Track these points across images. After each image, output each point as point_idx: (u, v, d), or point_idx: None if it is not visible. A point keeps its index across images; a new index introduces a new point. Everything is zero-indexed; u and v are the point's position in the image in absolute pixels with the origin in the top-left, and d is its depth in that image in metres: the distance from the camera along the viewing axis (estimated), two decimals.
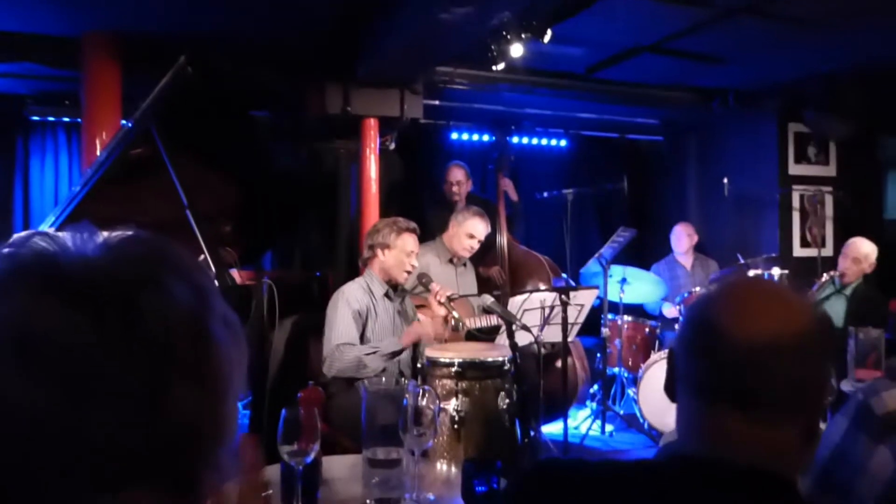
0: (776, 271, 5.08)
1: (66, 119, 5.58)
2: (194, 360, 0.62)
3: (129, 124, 3.39)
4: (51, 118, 5.58)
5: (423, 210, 5.45)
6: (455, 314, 3.07)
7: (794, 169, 6.33)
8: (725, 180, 6.04)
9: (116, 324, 0.58)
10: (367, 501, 1.79)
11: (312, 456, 1.69)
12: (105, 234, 0.65)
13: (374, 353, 3.03)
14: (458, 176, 5.23)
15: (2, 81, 5.08)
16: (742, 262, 5.37)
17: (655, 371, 4.75)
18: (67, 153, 5.65)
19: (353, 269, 5.18)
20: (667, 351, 4.28)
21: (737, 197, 6.21)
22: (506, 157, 5.25)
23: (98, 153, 4.45)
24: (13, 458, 0.56)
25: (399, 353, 3.10)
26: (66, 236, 0.63)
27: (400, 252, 3.29)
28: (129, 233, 0.66)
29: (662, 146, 7.47)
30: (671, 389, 1.08)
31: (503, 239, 4.97)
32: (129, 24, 4.46)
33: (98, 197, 3.44)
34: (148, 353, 0.59)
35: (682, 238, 5.79)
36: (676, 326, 5.02)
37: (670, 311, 5.42)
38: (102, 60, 4.58)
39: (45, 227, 3.50)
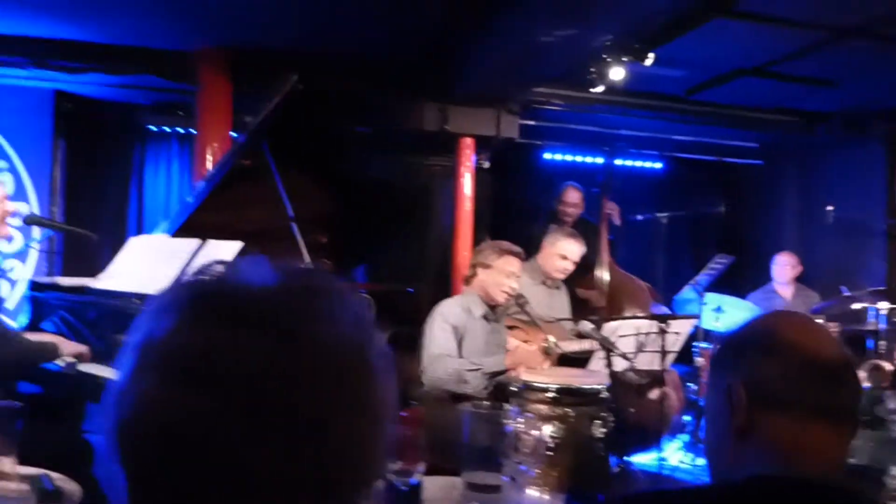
0: (883, 305, 4.85)
1: (180, 129, 5.86)
2: (358, 390, 0.65)
3: (241, 138, 3.54)
4: (165, 128, 5.87)
5: (516, 229, 5.45)
6: (551, 338, 3.07)
7: None
8: (830, 208, 5.82)
9: (290, 355, 0.61)
10: None
11: (417, 477, 1.73)
12: (275, 265, 0.70)
13: (477, 370, 3.06)
14: (575, 198, 5.19)
15: (123, 92, 5.38)
16: (846, 293, 5.15)
17: None
18: (180, 162, 5.93)
19: (442, 286, 5.24)
20: None
21: (841, 225, 5.97)
22: (611, 179, 5.18)
23: (208, 163, 4.67)
24: (198, 476, 0.60)
25: (500, 373, 3.12)
26: (242, 266, 0.68)
27: (499, 273, 3.31)
28: (299, 265, 0.70)
29: (761, 170, 7.25)
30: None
31: (604, 262, 4.91)
32: (240, 40, 4.67)
33: (209, 206, 3.61)
34: (318, 382, 0.62)
35: (786, 268, 5.59)
36: None
37: None
38: (215, 75, 4.81)
39: (160, 233, 3.69)
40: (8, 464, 1.97)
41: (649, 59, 4.03)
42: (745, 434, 1.10)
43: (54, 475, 2.01)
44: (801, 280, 5.75)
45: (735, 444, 1.11)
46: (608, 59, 4.07)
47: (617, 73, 4.13)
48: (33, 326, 3.44)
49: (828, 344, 1.11)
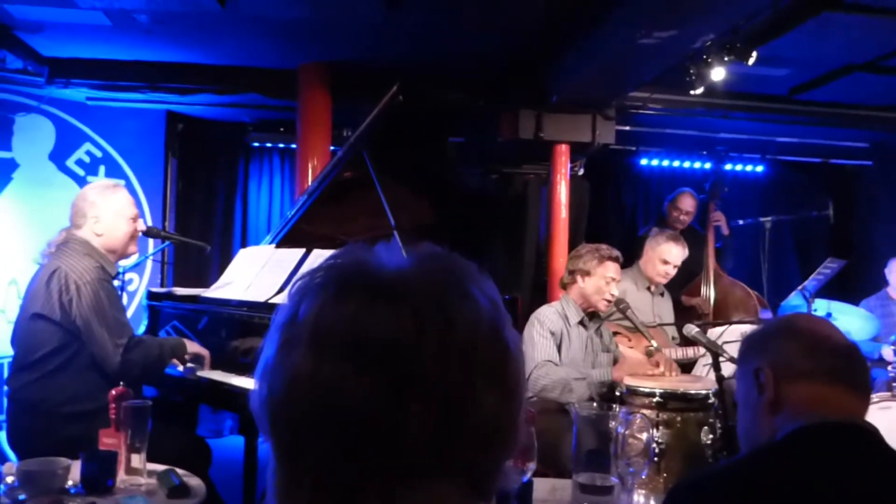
0: None
1: (281, 144, 6.07)
2: (496, 365, 0.67)
3: (342, 149, 3.63)
4: (268, 144, 6.09)
5: (610, 235, 5.39)
6: (654, 343, 3.01)
7: None
8: None
9: (434, 330, 0.64)
10: None
11: (529, 475, 1.73)
12: (410, 249, 0.72)
13: (584, 379, 3.04)
14: (689, 205, 5.08)
15: (228, 111, 5.64)
16: None
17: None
18: (280, 176, 6.15)
19: (539, 293, 5.22)
20: (883, 394, 3.97)
21: None
22: (719, 186, 5.04)
23: (310, 177, 4.81)
24: (348, 445, 0.63)
25: (606, 384, 3.09)
26: (378, 250, 0.71)
27: (600, 279, 3.28)
28: (432, 248, 0.72)
29: (872, 171, 6.90)
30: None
31: (710, 270, 4.79)
32: (339, 56, 4.81)
33: (311, 217, 3.72)
34: (459, 356, 0.64)
35: None
36: (890, 368, 4.59)
37: (888, 352, 4.97)
38: (315, 90, 4.97)
39: (266, 245, 3.83)
40: (139, 460, 2.09)
41: (752, 58, 3.90)
42: (775, 407, 1.29)
43: (180, 471, 2.12)
44: None
45: (768, 418, 1.29)
46: (709, 60, 3.97)
47: (718, 74, 4.02)
48: (150, 335, 3.62)
49: (837, 332, 1.34)
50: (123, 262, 3.34)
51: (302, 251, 3.40)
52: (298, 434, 0.65)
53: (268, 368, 0.68)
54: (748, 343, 1.41)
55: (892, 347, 4.87)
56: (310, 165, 4.93)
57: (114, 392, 2.19)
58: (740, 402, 1.40)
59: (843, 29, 4.09)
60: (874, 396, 4.54)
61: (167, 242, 4.61)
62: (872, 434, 1.22)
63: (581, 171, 5.67)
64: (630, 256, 4.39)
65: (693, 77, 4.14)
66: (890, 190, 6.61)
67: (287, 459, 0.67)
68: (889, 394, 4.05)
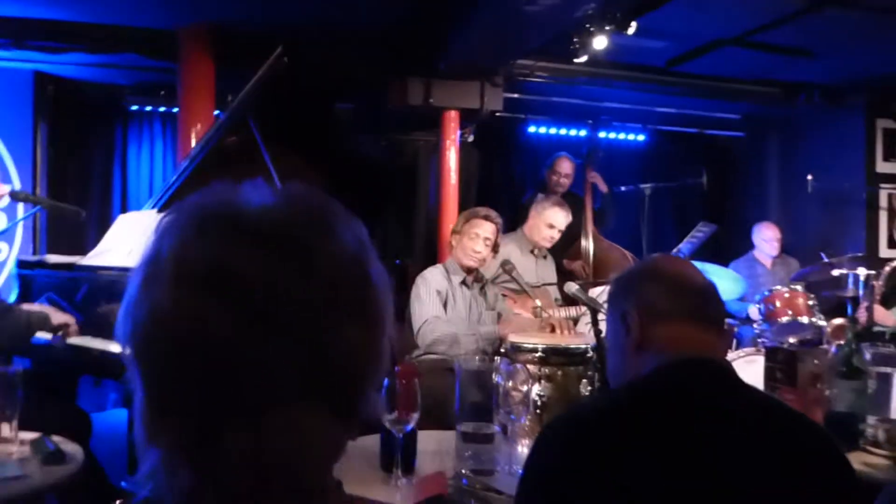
0: (862, 271, 4.94)
1: (162, 109, 5.82)
2: (358, 299, 0.70)
3: (225, 114, 3.54)
4: (147, 108, 5.83)
5: (499, 202, 5.49)
6: (538, 303, 3.12)
7: (882, 167, 6.12)
8: (810, 177, 5.90)
9: (295, 264, 0.66)
10: (464, 471, 1.86)
11: (412, 424, 1.78)
12: (276, 187, 0.73)
13: (473, 335, 3.13)
14: (567, 168, 5.23)
15: (103, 72, 5.34)
16: (826, 260, 5.24)
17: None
18: (162, 142, 5.90)
19: (430, 258, 5.27)
20: (749, 349, 4.25)
21: (821, 195, 6.05)
22: (595, 150, 5.22)
23: (193, 143, 4.65)
24: (211, 377, 0.64)
25: (494, 339, 3.19)
26: (245, 188, 0.71)
27: (465, 237, 3.37)
28: (298, 186, 0.73)
29: (743, 142, 7.32)
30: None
31: (588, 233, 4.97)
32: (222, 17, 4.64)
33: (194, 184, 3.61)
34: (319, 290, 0.66)
35: (769, 239, 5.68)
36: (755, 325, 4.92)
37: (753, 311, 5.32)
38: (198, 52, 4.78)
39: (146, 211, 3.70)
40: (9, 428, 2.01)
41: (632, 28, 4.05)
42: (641, 347, 1.37)
43: (55, 438, 2.04)
44: (782, 249, 5.83)
45: (634, 358, 1.38)
46: (591, 29, 4.09)
47: (600, 43, 4.15)
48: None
49: (697, 273, 1.43)
50: None
51: None
52: (163, 368, 0.66)
53: (131, 304, 0.68)
54: (616, 286, 1.50)
55: (758, 306, 5.22)
56: (192, 131, 4.76)
57: None
58: (610, 343, 1.50)
59: (714, 4, 4.30)
60: (741, 351, 4.87)
61: (37, 207, 4.36)
62: (725, 369, 1.33)
63: (471, 139, 5.74)
64: (515, 222, 4.50)
65: (577, 46, 4.26)
66: (759, 160, 7.04)
67: (153, 392, 0.67)
68: (754, 349, 4.34)
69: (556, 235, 4.24)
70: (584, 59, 4.33)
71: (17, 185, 5.14)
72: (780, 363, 2.41)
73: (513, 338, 2.95)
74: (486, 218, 3.44)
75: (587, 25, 4.10)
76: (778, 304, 4.59)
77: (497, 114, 5.44)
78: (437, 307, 3.23)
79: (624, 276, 1.50)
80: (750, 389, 1.34)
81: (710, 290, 1.41)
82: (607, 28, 4.06)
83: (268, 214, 0.68)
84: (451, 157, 5.22)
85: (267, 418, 0.65)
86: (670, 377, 1.29)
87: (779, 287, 5.23)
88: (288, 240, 0.67)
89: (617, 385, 1.46)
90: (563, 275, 4.67)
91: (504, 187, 6.68)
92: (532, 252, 4.30)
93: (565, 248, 4.65)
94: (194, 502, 0.66)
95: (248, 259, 0.65)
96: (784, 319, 4.49)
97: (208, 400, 0.65)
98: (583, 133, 6.83)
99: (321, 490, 0.70)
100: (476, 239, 3.38)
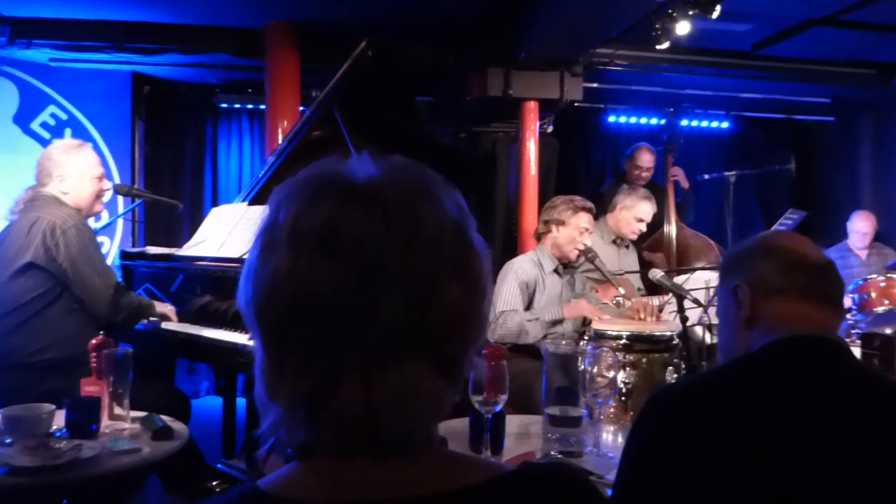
0: None
1: (250, 106, 6.03)
2: (460, 261, 0.74)
3: (311, 107, 3.64)
4: (236, 105, 6.04)
5: (578, 191, 5.46)
6: (622, 291, 3.12)
7: None
8: None
9: (401, 227, 0.71)
10: (552, 452, 1.89)
11: (500, 405, 1.82)
12: (378, 160, 0.78)
13: (536, 319, 3.15)
14: (648, 161, 5.17)
15: (194, 71, 5.57)
16: None
17: None
18: (250, 137, 6.12)
19: (509, 247, 5.30)
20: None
21: None
22: (675, 139, 5.13)
23: (279, 137, 4.81)
24: (325, 332, 0.70)
25: (559, 321, 3.21)
26: (351, 161, 0.76)
27: (573, 229, 3.38)
28: (400, 158, 0.78)
29: (833, 126, 7.05)
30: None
31: (672, 220, 4.89)
32: (307, 14, 4.78)
33: (282, 177, 3.71)
34: (424, 251, 0.71)
35: (863, 229, 5.47)
36: (848, 316, 4.75)
37: (847, 302, 5.14)
38: (283, 50, 4.94)
39: (238, 203, 3.85)
40: (122, 406, 2.14)
41: (716, 12, 3.95)
42: (752, 322, 1.35)
43: (164, 416, 2.17)
44: (876, 237, 5.61)
45: (745, 333, 1.36)
46: (673, 14, 4.03)
47: (682, 28, 4.08)
48: None
49: (814, 250, 1.38)
50: (93, 224, 3.36)
51: None
52: (280, 325, 0.72)
53: (251, 269, 0.74)
54: (727, 261, 1.47)
55: (851, 296, 5.04)
56: (279, 126, 4.92)
57: (94, 341, 2.23)
58: (720, 318, 1.47)
59: None
60: None
61: (138, 201, 4.59)
62: (840, 346, 1.29)
63: (550, 129, 5.72)
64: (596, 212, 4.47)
65: (658, 32, 4.20)
66: (851, 145, 6.76)
67: (272, 349, 0.73)
68: (847, 340, 4.20)
69: (644, 228, 4.23)
70: (665, 45, 4.26)
71: (117, 180, 5.42)
72: (876, 349, 2.34)
73: (596, 325, 2.96)
74: (590, 211, 3.48)
75: (669, 10, 4.04)
76: (873, 293, 4.43)
77: (576, 104, 5.41)
78: (516, 300, 3.26)
79: (736, 250, 1.47)
80: (867, 368, 1.30)
81: (828, 267, 1.37)
82: (690, 13, 3.98)
83: (374, 182, 0.74)
84: (531, 148, 5.22)
85: (378, 372, 0.70)
86: (780, 354, 1.27)
87: (874, 276, 5.04)
88: (393, 203, 0.72)
89: (726, 360, 1.43)
90: (644, 265, 4.62)
91: (583, 177, 6.64)
92: (614, 242, 4.28)
93: (645, 238, 4.60)
94: (312, 455, 0.72)
95: (357, 222, 0.70)
96: (880, 309, 4.32)
97: (324, 355, 0.70)
98: (664, 122, 6.71)
99: (428, 444, 0.74)
100: (584, 234, 3.42)
